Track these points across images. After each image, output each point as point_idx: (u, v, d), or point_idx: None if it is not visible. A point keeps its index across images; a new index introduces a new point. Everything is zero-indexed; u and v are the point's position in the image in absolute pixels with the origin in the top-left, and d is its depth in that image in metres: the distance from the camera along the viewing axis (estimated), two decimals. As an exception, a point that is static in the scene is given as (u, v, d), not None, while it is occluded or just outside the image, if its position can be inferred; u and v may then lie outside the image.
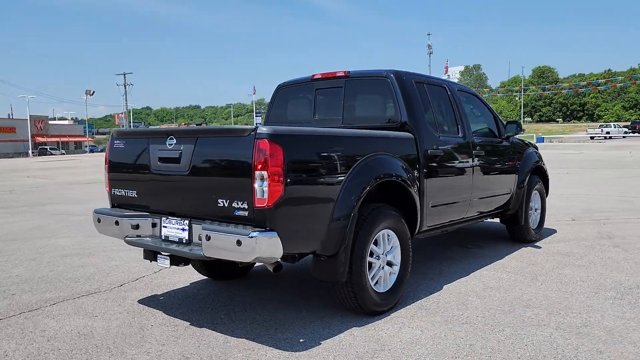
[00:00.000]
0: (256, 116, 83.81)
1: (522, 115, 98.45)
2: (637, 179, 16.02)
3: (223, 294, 5.04)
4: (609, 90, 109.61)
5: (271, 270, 3.86)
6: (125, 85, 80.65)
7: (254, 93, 77.53)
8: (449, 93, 5.66)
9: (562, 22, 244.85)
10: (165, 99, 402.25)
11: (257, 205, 3.49)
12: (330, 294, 4.88)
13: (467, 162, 5.59)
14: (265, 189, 3.45)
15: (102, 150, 66.50)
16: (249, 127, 3.57)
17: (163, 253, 4.05)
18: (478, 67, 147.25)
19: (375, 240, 4.26)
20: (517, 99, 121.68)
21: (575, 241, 7.15)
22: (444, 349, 3.67)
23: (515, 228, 6.91)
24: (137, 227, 4.23)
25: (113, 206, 4.65)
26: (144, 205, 4.33)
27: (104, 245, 7.44)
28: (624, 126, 67.42)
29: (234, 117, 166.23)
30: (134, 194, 4.38)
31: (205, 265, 5.25)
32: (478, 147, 5.81)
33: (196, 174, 3.85)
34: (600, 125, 70.04)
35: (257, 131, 3.50)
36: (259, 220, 3.51)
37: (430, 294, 4.94)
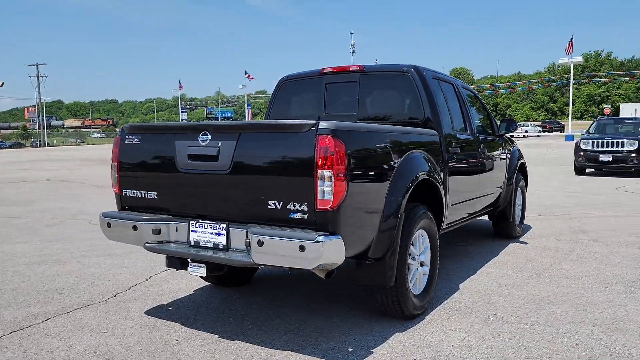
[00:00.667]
0: (182, 112, 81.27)
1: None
2: (569, 174, 17.01)
3: (237, 302, 4.68)
4: (519, 92, 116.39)
5: (323, 276, 3.60)
6: (38, 77, 75.33)
7: (180, 88, 74.97)
8: (456, 90, 5.61)
9: (476, 27, 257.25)
10: (80, 92, 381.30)
11: (319, 207, 3.22)
12: (353, 298, 4.68)
13: (476, 159, 5.58)
14: (330, 189, 3.19)
15: (12, 146, 61.69)
16: (307, 122, 3.28)
17: (196, 261, 3.67)
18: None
19: (412, 240, 4.11)
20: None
21: (554, 236, 7.38)
22: (501, 352, 3.58)
23: (504, 224, 7.02)
24: (158, 232, 3.81)
25: (123, 209, 4.17)
26: (165, 208, 3.91)
27: (70, 250, 6.78)
28: (537, 125, 71.87)
29: (155, 112, 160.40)
30: (152, 195, 3.94)
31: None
32: (482, 145, 5.82)
33: (239, 173, 3.51)
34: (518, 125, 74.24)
35: (319, 127, 3.23)
36: (321, 223, 3.24)
37: (452, 294, 4.86)
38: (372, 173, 3.60)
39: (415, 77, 4.76)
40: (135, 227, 3.84)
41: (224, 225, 3.60)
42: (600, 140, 16.44)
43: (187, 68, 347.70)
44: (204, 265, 3.65)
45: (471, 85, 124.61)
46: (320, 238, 3.11)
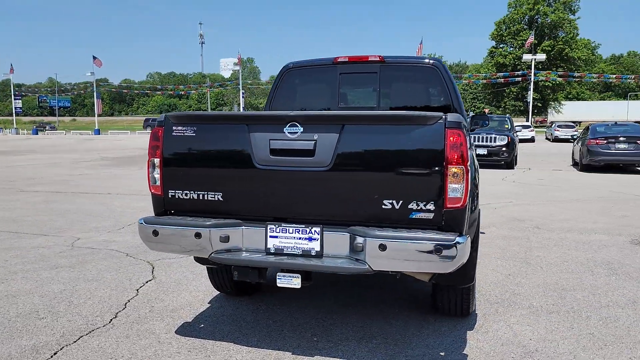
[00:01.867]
0: (15, 99, 71.78)
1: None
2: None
3: (271, 312, 4.22)
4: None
5: (426, 280, 3.37)
6: None
7: (12, 72, 66.02)
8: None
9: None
10: None
11: (448, 205, 2.99)
12: (394, 299, 4.51)
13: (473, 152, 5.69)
14: (460, 186, 2.98)
15: None
16: (434, 114, 3.02)
17: (288, 270, 3.20)
18: (252, 60, 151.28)
19: None
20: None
21: (498, 225, 7.87)
22: (578, 342, 3.69)
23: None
24: (227, 239, 3.26)
25: (164, 213, 3.50)
26: (232, 210, 3.35)
27: (10, 264, 5.59)
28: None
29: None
30: (216, 196, 3.34)
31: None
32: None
33: (344, 170, 3.12)
34: None
35: (448, 119, 2.99)
36: (450, 223, 3.02)
37: (473, 287, 4.91)
38: (474, 168, 3.47)
39: (442, 70, 4.69)
40: (198, 235, 3.23)
41: (317, 229, 3.19)
42: (475, 136, 18.00)
43: (15, 51, 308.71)
44: (298, 275, 3.19)
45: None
46: (460, 239, 2.90)
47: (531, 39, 53.45)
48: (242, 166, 3.28)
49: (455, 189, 2.97)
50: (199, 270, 5.31)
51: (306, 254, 3.20)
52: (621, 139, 16.18)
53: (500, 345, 3.62)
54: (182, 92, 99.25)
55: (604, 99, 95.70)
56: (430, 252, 2.89)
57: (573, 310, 4.29)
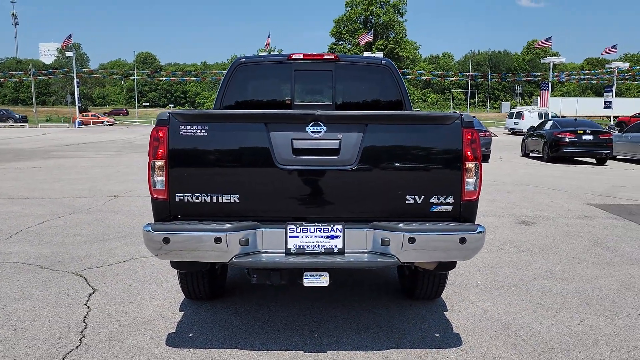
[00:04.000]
0: None
1: (137, 100, 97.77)
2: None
3: (255, 314, 4.12)
4: (207, 80, 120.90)
5: (432, 268, 3.61)
6: None
7: None
8: None
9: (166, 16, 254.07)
10: None
11: (465, 198, 3.26)
12: (354, 291, 4.71)
13: None
14: (474, 180, 3.26)
15: None
16: (451, 114, 3.25)
17: (312, 269, 3.19)
18: (78, 46, 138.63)
19: None
20: (122, 82, 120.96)
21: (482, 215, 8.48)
22: (535, 311, 4.24)
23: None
24: (246, 242, 3.15)
25: (167, 219, 3.24)
26: (248, 212, 3.23)
27: None
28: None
29: None
30: (231, 198, 3.18)
31: (211, 281, 4.15)
32: None
33: (369, 167, 3.20)
34: None
35: (464, 119, 3.25)
36: (466, 215, 3.29)
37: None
38: None
39: (393, 68, 4.96)
40: (218, 240, 3.07)
41: (339, 227, 3.24)
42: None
43: None
44: (326, 272, 3.20)
45: (159, 70, 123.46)
46: (481, 229, 3.18)
47: (369, 37, 57.19)
48: (261, 166, 3.19)
49: (470, 183, 3.25)
50: (140, 276, 4.97)
51: (329, 252, 3.23)
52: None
53: (479, 321, 4.02)
54: (2, 79, 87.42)
55: (425, 95, 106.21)
56: (456, 242, 3.13)
57: (513, 284, 4.89)
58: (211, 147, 3.20)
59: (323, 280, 3.20)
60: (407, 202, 3.24)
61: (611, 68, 53.90)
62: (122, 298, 4.42)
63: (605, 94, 51.19)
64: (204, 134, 3.18)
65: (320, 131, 3.18)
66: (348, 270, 3.43)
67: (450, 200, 3.26)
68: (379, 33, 73.80)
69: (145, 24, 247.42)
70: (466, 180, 3.24)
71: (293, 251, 3.22)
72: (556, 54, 71.81)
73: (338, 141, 3.18)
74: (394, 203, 3.25)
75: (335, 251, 3.23)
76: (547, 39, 56.38)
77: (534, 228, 7.34)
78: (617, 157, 19.14)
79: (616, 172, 15.34)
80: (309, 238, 3.23)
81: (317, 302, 4.34)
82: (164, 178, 3.18)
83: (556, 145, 18.00)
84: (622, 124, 34.48)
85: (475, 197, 3.29)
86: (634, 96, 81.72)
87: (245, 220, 3.21)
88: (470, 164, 3.24)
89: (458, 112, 3.30)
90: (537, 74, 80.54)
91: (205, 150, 3.20)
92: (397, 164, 3.25)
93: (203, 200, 3.20)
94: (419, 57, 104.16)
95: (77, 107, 55.47)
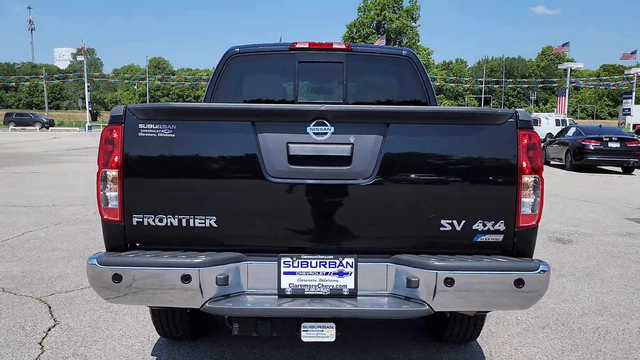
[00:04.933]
0: None
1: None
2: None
3: (248, 353, 3.32)
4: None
5: (471, 314, 2.77)
6: None
7: None
8: None
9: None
10: None
11: (521, 224, 2.43)
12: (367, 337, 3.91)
13: None
14: (534, 200, 2.43)
15: None
16: (501, 111, 2.43)
17: (317, 319, 2.38)
18: (92, 51, 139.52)
19: None
20: (135, 87, 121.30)
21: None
22: (595, 361, 3.39)
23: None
24: (225, 280, 2.35)
25: (122, 247, 2.45)
26: (228, 239, 2.44)
27: None
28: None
29: None
30: (206, 221, 2.39)
31: (191, 317, 3.34)
32: None
33: (391, 182, 2.39)
34: None
35: (520, 117, 2.42)
36: (522, 247, 2.46)
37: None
38: None
39: (416, 61, 4.15)
40: (187, 278, 2.27)
41: (350, 260, 2.42)
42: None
43: None
44: (332, 324, 2.38)
45: (173, 75, 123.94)
46: (544, 266, 2.35)
47: (382, 42, 56.36)
48: (247, 178, 2.39)
49: (528, 204, 2.42)
50: (114, 305, 4.16)
51: (336, 294, 2.42)
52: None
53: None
54: (15, 84, 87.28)
55: (437, 101, 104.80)
56: (510, 285, 2.30)
57: (561, 322, 4.03)
58: (180, 153, 2.41)
59: (328, 333, 2.38)
60: (441, 228, 2.42)
61: (630, 74, 52.53)
62: (85, 335, 3.64)
63: (624, 100, 49.81)
64: (171, 135, 2.38)
65: (326, 132, 2.37)
66: (361, 319, 2.61)
67: (501, 227, 2.43)
68: (392, 38, 72.87)
69: (158, 30, 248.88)
70: (522, 200, 2.41)
71: (288, 292, 2.41)
72: (572, 61, 70.53)
73: (350, 146, 2.38)
74: (425, 230, 2.43)
75: (345, 293, 2.42)
76: (565, 45, 55.14)
77: (572, 247, 6.45)
78: (640, 166, 18.10)
79: (647, 182, 14.36)
80: (310, 275, 2.42)
81: (322, 345, 3.52)
82: (117, 193, 2.39)
83: (580, 153, 17.02)
84: (640, 131, 33.32)
85: (534, 222, 2.46)
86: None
87: (224, 250, 2.41)
88: (528, 179, 2.41)
89: (511, 110, 2.47)
90: (554, 79, 79.10)
91: (172, 157, 2.41)
92: (428, 177, 2.42)
93: (169, 224, 2.40)
94: (432, 63, 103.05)
95: (87, 111, 55.23)
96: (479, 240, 2.43)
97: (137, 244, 2.47)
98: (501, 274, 2.31)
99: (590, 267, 5.56)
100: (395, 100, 4.24)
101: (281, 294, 2.41)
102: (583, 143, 17.03)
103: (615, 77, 69.32)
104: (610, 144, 16.78)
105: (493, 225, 2.42)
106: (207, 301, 2.31)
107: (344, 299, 2.40)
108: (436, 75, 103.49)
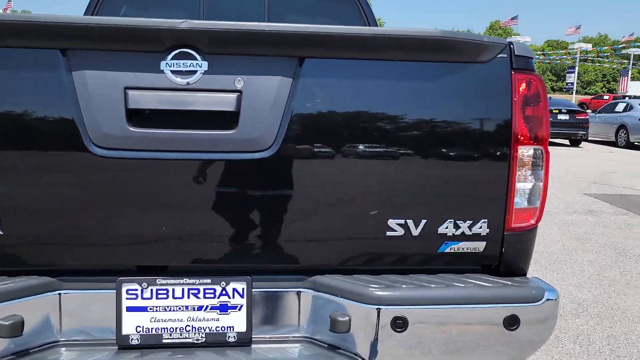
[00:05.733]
0: None
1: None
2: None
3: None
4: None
5: None
6: None
7: None
8: None
9: None
10: None
11: (514, 224, 1.53)
12: None
13: None
14: (537, 187, 1.54)
15: None
16: (489, 39, 1.48)
17: None
18: None
19: None
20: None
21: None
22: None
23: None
24: (18, 328, 1.35)
25: None
26: (27, 256, 1.43)
27: None
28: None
29: None
30: None
31: None
32: None
33: (304, 156, 1.43)
34: None
35: (516, 52, 1.49)
36: (511, 259, 1.57)
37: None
38: None
39: None
40: None
41: (240, 286, 1.47)
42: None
43: None
44: None
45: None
46: (550, 294, 1.48)
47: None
48: (55, 150, 1.37)
49: (525, 192, 1.52)
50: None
51: (217, 341, 1.46)
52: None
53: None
54: None
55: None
56: (499, 324, 1.41)
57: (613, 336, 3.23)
58: None
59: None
60: (389, 233, 1.49)
61: (574, 49, 53.40)
62: None
63: (567, 75, 50.67)
64: None
65: (195, 71, 1.38)
66: None
67: (482, 229, 1.52)
68: None
69: None
70: (516, 185, 1.51)
71: (134, 341, 1.44)
72: (518, 35, 71.38)
73: (235, 95, 1.39)
74: (361, 235, 1.50)
75: (231, 339, 1.47)
76: (513, 18, 55.37)
77: (534, 228, 5.76)
78: (589, 138, 17.97)
79: (596, 155, 14.12)
80: (172, 312, 1.46)
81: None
82: None
83: (530, 125, 16.68)
84: (583, 105, 33.75)
85: (533, 222, 1.57)
86: (593, 78, 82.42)
87: (21, 273, 1.41)
88: (525, 151, 1.50)
89: (503, 39, 1.53)
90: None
91: None
92: (366, 149, 1.47)
93: None
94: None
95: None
96: (447, 250, 1.52)
97: None
98: (483, 308, 1.42)
99: (556, 253, 4.87)
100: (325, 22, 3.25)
101: (123, 344, 1.44)
102: None
103: (563, 51, 70.50)
104: (560, 116, 16.43)
105: (470, 227, 1.51)
106: (-17, 364, 1.32)
107: (230, 351, 1.45)
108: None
